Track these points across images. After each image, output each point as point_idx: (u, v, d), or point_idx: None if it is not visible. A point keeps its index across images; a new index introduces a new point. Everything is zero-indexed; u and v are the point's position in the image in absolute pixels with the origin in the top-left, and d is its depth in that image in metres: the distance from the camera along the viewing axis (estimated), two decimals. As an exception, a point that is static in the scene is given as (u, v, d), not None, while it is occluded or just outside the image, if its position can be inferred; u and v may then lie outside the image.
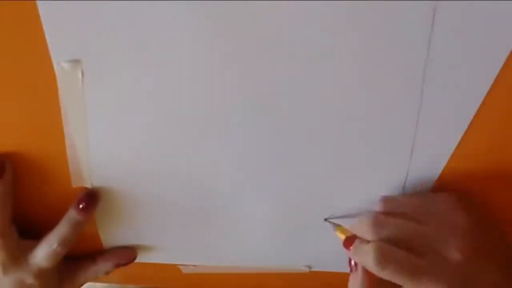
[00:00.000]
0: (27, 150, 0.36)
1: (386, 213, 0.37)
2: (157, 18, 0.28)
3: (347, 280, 0.47)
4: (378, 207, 0.38)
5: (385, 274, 0.33)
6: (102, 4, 0.27)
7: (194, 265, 0.51)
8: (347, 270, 0.46)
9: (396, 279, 0.33)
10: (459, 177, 0.38)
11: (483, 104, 0.32)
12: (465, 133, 0.34)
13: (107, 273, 0.45)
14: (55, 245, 0.39)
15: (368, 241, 0.35)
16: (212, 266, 0.50)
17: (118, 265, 0.45)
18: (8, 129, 0.35)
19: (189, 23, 0.28)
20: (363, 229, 0.36)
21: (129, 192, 0.40)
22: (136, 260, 0.46)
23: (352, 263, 0.38)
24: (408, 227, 0.35)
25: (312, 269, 0.47)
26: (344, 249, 0.37)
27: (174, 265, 0.51)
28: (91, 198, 0.39)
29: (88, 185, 0.38)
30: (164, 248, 0.47)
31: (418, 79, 0.31)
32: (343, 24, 0.28)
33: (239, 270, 0.50)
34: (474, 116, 0.33)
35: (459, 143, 0.35)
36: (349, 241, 0.37)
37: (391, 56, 0.30)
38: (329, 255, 0.45)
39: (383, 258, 0.33)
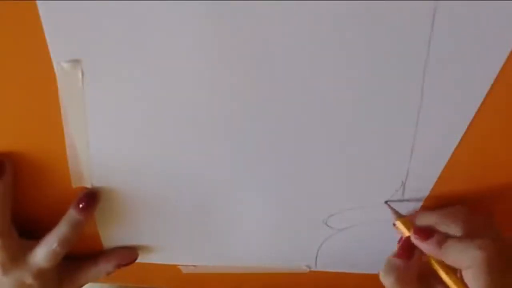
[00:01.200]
0: (27, 150, 0.36)
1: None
2: (157, 18, 0.28)
3: (347, 280, 0.47)
4: (460, 208, 0.37)
5: (482, 279, 0.33)
6: (102, 4, 0.27)
7: (194, 265, 0.51)
8: (347, 270, 0.46)
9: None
10: (459, 177, 0.38)
11: (483, 104, 0.32)
12: (465, 133, 0.34)
13: (108, 274, 0.45)
14: (54, 245, 0.39)
15: (463, 238, 0.35)
16: (212, 266, 0.50)
17: (119, 266, 0.45)
18: (8, 129, 0.35)
19: (189, 23, 0.28)
20: (454, 226, 0.35)
21: (129, 192, 0.40)
22: (136, 260, 0.46)
23: (405, 250, 0.37)
24: (495, 236, 0.35)
25: (312, 269, 0.47)
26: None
27: (174, 265, 0.51)
28: (91, 198, 0.39)
29: (88, 185, 0.38)
30: (164, 248, 0.47)
31: (418, 79, 0.31)
32: (343, 24, 0.28)
33: (239, 270, 0.50)
34: (474, 116, 0.33)
35: (459, 143, 0.35)
36: (428, 232, 0.36)
37: (391, 56, 0.30)
38: (329, 255, 0.45)
39: (492, 261, 0.33)
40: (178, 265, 0.51)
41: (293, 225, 0.43)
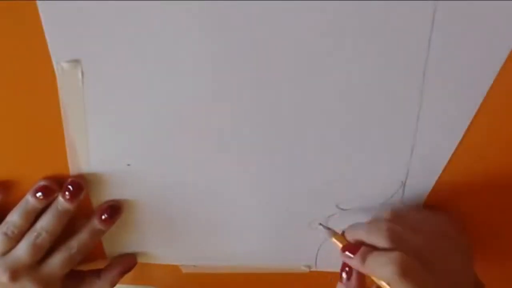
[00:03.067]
0: (26, 150, 0.36)
1: (400, 224, 0.35)
2: (157, 19, 0.28)
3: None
4: (387, 217, 0.36)
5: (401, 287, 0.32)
6: (102, 4, 0.27)
7: (194, 265, 0.51)
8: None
9: None
10: (459, 177, 0.38)
11: (483, 104, 0.32)
12: (465, 133, 0.34)
13: (113, 284, 0.45)
14: (73, 251, 0.40)
15: (381, 251, 0.34)
16: (212, 266, 0.50)
17: (122, 274, 0.45)
18: (8, 129, 0.35)
19: (190, 23, 0.28)
20: (377, 238, 0.34)
21: (128, 192, 0.40)
22: (137, 261, 0.46)
23: (345, 270, 0.36)
24: (422, 241, 0.35)
25: (312, 269, 0.47)
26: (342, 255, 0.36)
27: (174, 265, 0.51)
28: (114, 210, 0.40)
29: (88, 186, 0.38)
30: (164, 248, 0.47)
31: (418, 79, 0.31)
32: (343, 24, 0.28)
33: (239, 270, 0.50)
34: (474, 116, 0.33)
35: (459, 143, 0.35)
36: (354, 248, 0.35)
37: (391, 56, 0.30)
38: (329, 255, 0.45)
39: (406, 271, 0.32)
40: (178, 265, 0.51)
41: (293, 225, 0.43)
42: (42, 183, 0.37)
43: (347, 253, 0.36)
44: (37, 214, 0.38)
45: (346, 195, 0.40)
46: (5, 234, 0.38)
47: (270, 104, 0.33)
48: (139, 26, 0.28)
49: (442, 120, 0.33)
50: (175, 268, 0.51)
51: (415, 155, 0.36)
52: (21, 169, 0.37)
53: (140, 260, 0.47)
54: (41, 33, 0.28)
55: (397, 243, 0.34)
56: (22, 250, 0.38)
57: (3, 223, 0.38)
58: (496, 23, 0.28)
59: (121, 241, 0.45)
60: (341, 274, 0.37)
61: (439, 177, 0.37)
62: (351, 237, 0.37)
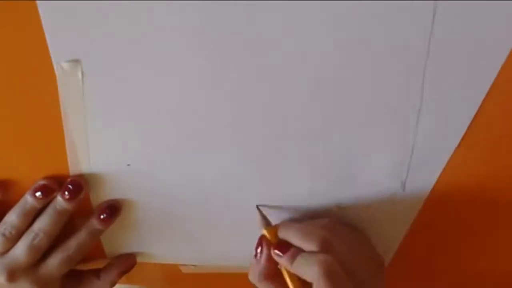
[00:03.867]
0: (26, 149, 0.36)
1: (332, 233, 0.38)
2: (157, 19, 0.28)
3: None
4: (322, 224, 0.39)
5: None
6: (102, 4, 0.27)
7: (194, 265, 0.51)
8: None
9: None
10: (459, 177, 0.38)
11: (483, 103, 0.32)
12: (465, 133, 0.34)
13: (112, 284, 0.45)
14: (71, 251, 0.40)
15: (310, 252, 0.36)
16: (212, 266, 0.50)
17: (121, 274, 0.45)
18: (8, 129, 0.35)
19: (190, 23, 0.28)
20: (308, 243, 0.37)
21: (128, 192, 0.40)
22: (137, 260, 0.46)
23: (258, 250, 0.39)
24: (347, 252, 0.37)
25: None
26: (260, 246, 0.39)
27: (174, 265, 0.51)
28: (113, 210, 0.40)
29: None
30: (163, 248, 0.47)
31: (418, 79, 0.31)
32: (343, 24, 0.28)
33: (239, 270, 0.50)
34: (474, 116, 0.33)
35: (460, 143, 0.35)
36: (285, 247, 0.37)
37: (391, 56, 0.30)
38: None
39: (330, 274, 0.35)
40: (178, 265, 0.51)
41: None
42: (42, 182, 0.37)
43: (276, 251, 0.38)
44: (36, 214, 0.38)
45: (346, 194, 0.40)
46: (3, 234, 0.38)
47: (270, 105, 0.33)
48: (139, 26, 0.28)
49: (442, 120, 0.33)
50: (175, 268, 0.51)
51: (415, 155, 0.36)
52: (21, 169, 0.37)
53: (139, 259, 0.47)
54: (41, 33, 0.28)
55: (326, 249, 0.36)
56: (20, 251, 0.38)
57: (1, 223, 0.38)
58: (496, 23, 0.28)
59: (121, 240, 0.45)
60: (255, 252, 0.39)
61: (439, 177, 0.37)
62: (283, 236, 0.38)
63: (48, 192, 0.37)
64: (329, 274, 0.35)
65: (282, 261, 0.37)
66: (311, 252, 0.36)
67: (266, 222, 0.40)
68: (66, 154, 0.36)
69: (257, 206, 0.40)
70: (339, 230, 0.39)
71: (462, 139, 0.34)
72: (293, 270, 0.37)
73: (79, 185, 0.37)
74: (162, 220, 0.43)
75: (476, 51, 0.29)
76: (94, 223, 0.40)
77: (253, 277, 0.40)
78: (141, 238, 0.45)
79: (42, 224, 0.38)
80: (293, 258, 0.37)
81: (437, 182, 0.38)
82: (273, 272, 0.39)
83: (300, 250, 0.37)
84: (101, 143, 0.35)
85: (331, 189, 0.39)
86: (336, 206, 0.41)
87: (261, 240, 0.39)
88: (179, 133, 0.35)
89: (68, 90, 0.31)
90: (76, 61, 0.30)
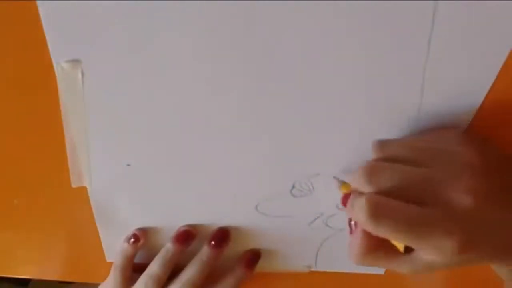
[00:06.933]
0: (26, 149, 0.36)
1: (383, 159, 0.31)
2: (157, 19, 0.28)
3: (347, 280, 0.47)
4: (373, 154, 0.32)
5: (381, 231, 0.28)
6: (102, 5, 0.27)
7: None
8: (347, 270, 0.46)
9: (395, 236, 0.28)
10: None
11: (483, 103, 0.32)
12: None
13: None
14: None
15: (360, 194, 0.30)
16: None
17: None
18: (8, 129, 0.35)
19: (189, 24, 0.28)
20: (358, 181, 0.30)
21: (128, 192, 0.40)
22: (141, 261, 0.46)
23: (352, 222, 0.32)
24: (407, 172, 0.29)
25: (312, 269, 0.47)
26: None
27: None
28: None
29: (88, 185, 0.38)
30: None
31: (418, 79, 0.31)
32: (343, 24, 0.28)
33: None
34: (474, 116, 0.33)
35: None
36: (346, 197, 0.31)
37: (391, 56, 0.30)
38: (329, 255, 0.45)
39: (376, 211, 0.28)
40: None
41: (293, 225, 0.43)
42: (182, 229, 0.40)
43: (341, 205, 0.33)
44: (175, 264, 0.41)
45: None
46: (146, 284, 0.40)
47: (269, 105, 0.33)
48: (139, 26, 0.28)
49: (442, 120, 0.33)
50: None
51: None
52: (20, 169, 0.37)
53: (139, 261, 0.47)
54: (41, 33, 0.28)
55: (371, 182, 0.30)
56: None
57: (144, 275, 0.41)
58: (496, 23, 0.28)
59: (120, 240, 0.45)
60: (349, 225, 0.33)
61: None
62: (350, 184, 0.33)
63: (189, 238, 0.40)
64: (375, 211, 0.28)
65: (347, 212, 0.31)
66: (361, 194, 0.30)
67: (343, 182, 0.35)
68: (67, 154, 0.36)
69: (334, 177, 0.36)
70: (392, 145, 0.32)
71: (462, 139, 0.34)
72: (350, 215, 0.31)
73: (226, 234, 0.40)
74: (162, 220, 0.43)
75: (476, 51, 0.29)
76: (242, 271, 0.43)
77: (356, 254, 0.32)
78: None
79: (189, 275, 0.40)
80: (350, 206, 0.30)
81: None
82: (375, 241, 0.31)
83: (356, 195, 0.30)
84: (101, 143, 0.35)
85: (331, 190, 0.39)
86: (336, 206, 0.41)
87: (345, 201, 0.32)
88: (179, 132, 0.35)
89: (68, 90, 0.31)
90: (76, 61, 0.30)
